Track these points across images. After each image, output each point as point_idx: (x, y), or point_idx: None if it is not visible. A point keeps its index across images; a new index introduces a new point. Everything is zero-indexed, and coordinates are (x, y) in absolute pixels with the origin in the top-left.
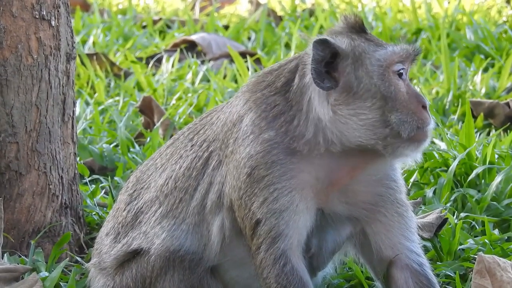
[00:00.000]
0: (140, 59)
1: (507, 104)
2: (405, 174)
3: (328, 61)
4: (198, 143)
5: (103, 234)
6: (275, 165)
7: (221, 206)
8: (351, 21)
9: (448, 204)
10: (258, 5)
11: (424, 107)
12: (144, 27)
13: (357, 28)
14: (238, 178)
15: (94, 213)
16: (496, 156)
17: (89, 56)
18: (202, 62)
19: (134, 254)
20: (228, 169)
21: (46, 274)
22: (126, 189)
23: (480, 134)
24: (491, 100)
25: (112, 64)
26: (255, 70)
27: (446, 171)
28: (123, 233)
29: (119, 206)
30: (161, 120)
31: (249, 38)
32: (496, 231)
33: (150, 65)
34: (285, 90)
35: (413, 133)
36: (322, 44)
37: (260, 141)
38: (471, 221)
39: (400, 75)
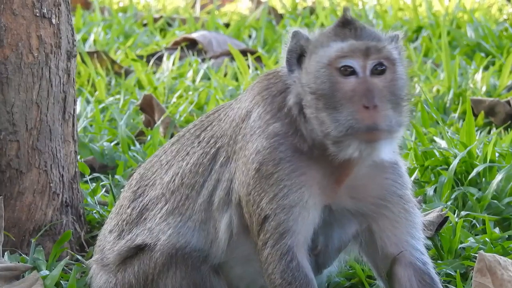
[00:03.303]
0: (140, 57)
1: (508, 102)
2: None
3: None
4: (205, 139)
5: (106, 231)
6: (283, 163)
7: (229, 203)
8: (340, 15)
9: (449, 203)
10: (258, 3)
11: (366, 107)
12: (144, 25)
13: (341, 21)
14: (247, 174)
15: (94, 211)
16: (497, 154)
17: (90, 54)
18: (203, 60)
19: (137, 250)
20: (237, 166)
21: (47, 272)
22: (130, 186)
23: (480, 132)
24: (491, 98)
25: (113, 62)
26: (256, 68)
27: (446, 169)
28: (127, 230)
29: (122, 203)
30: (162, 118)
31: (249, 36)
32: (496, 230)
33: (151, 63)
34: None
35: (342, 133)
36: (294, 36)
37: (266, 135)
38: (471, 219)
39: (346, 72)
